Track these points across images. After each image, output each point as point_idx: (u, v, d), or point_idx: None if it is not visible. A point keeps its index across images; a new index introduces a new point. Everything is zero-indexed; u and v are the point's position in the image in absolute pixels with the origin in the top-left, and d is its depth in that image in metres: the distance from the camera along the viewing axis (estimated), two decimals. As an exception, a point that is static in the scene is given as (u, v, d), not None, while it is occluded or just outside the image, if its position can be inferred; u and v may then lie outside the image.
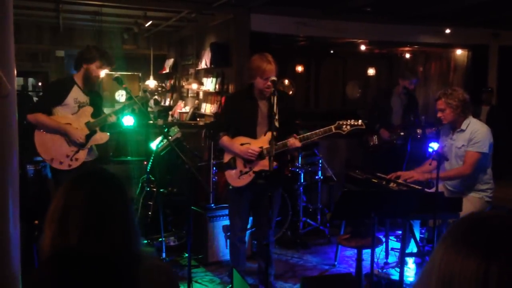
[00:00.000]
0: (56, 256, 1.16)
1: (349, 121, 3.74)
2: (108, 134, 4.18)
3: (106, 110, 4.40)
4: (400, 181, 4.19)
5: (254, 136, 3.85)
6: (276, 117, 3.80)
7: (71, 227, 1.38)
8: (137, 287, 1.40)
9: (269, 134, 3.69)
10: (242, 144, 3.84)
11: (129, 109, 4.10)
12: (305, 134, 3.74)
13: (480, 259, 0.83)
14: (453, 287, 0.84)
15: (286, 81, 10.39)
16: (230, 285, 4.15)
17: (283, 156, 3.98)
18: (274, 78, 3.69)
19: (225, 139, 3.89)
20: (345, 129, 3.73)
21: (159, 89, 4.32)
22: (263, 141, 3.81)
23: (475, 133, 4.04)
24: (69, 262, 1.10)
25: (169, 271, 1.56)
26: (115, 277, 1.27)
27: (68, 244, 1.35)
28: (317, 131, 3.72)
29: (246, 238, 4.91)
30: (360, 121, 3.77)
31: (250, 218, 4.63)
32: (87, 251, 1.26)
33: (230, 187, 3.98)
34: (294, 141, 3.70)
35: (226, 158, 3.96)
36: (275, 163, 3.74)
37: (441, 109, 4.12)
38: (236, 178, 3.89)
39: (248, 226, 4.65)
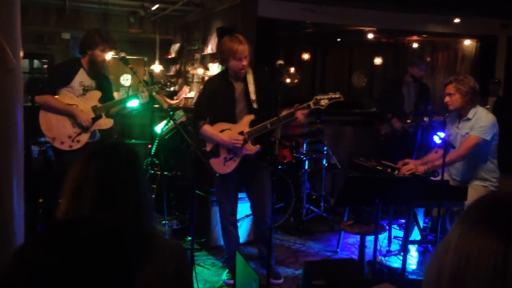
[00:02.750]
0: (63, 224, 1.14)
1: (327, 95, 3.68)
2: (112, 120, 4.18)
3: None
4: (402, 173, 4.18)
5: (233, 121, 3.79)
6: (254, 97, 3.73)
7: (84, 199, 1.38)
8: (146, 265, 1.38)
9: (247, 118, 3.64)
10: (222, 131, 3.78)
11: (138, 97, 4.08)
12: (283, 114, 3.63)
13: (499, 240, 0.81)
14: (469, 267, 0.82)
15: (292, 69, 10.33)
16: (228, 270, 4.16)
17: (267, 138, 3.88)
18: (281, 61, 3.64)
19: (206, 128, 3.80)
20: (323, 103, 3.66)
21: (166, 84, 4.26)
22: (243, 125, 3.76)
23: (478, 120, 4.01)
24: (77, 232, 1.09)
25: (181, 251, 1.54)
26: (123, 252, 1.25)
27: (79, 215, 1.34)
28: (294, 109, 3.64)
29: (249, 224, 4.92)
30: (338, 93, 3.70)
31: (248, 204, 4.63)
32: (97, 222, 1.25)
33: (217, 174, 3.93)
34: (300, 113, 3.61)
35: (209, 146, 3.90)
36: (258, 146, 3.71)
37: (450, 93, 4.07)
38: (221, 165, 3.85)
39: (249, 212, 4.66)
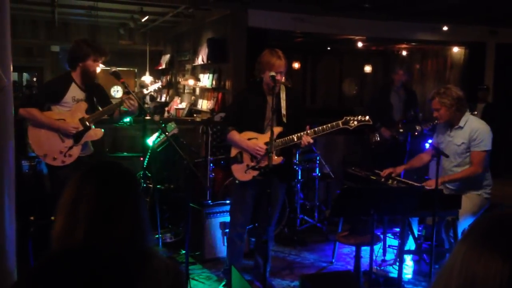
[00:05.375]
0: (60, 253, 1.12)
1: (356, 116, 3.75)
2: (103, 130, 4.12)
3: None
4: (393, 175, 4.22)
5: (261, 131, 3.87)
6: (284, 112, 3.82)
7: (79, 221, 1.34)
8: (142, 286, 1.35)
9: (275, 130, 3.69)
10: (249, 139, 3.86)
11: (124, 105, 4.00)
12: (313, 129, 3.74)
13: (503, 259, 0.80)
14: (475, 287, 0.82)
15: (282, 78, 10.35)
16: (225, 282, 4.13)
17: (290, 151, 3.99)
18: (273, 73, 3.68)
19: (233, 134, 3.90)
20: (352, 124, 3.73)
21: (156, 89, 4.25)
22: (269, 136, 3.80)
23: (476, 133, 4.03)
24: (73, 259, 1.07)
25: (177, 271, 1.51)
26: (120, 276, 1.23)
27: (74, 239, 1.31)
28: (324, 126, 3.72)
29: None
30: (367, 117, 3.77)
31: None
32: (93, 247, 1.22)
33: (237, 181, 3.97)
34: (306, 138, 3.70)
35: (233, 152, 3.96)
36: (281, 158, 3.75)
37: (436, 108, 4.12)
38: (242, 172, 3.89)
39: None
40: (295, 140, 3.74)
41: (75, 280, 1.05)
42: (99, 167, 1.50)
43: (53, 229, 1.39)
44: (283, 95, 3.88)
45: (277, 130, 3.79)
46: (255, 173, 3.85)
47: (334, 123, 3.74)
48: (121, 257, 1.29)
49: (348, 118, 3.75)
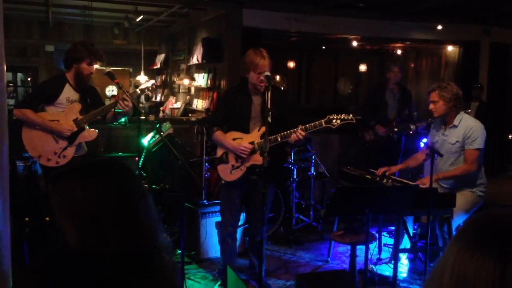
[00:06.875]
0: (92, 257, 1.09)
1: (339, 115, 3.72)
2: (97, 131, 4.11)
3: None
4: (387, 174, 4.23)
5: (246, 131, 3.86)
6: (270, 112, 3.80)
7: (106, 222, 1.25)
8: (151, 283, 1.31)
9: (262, 129, 3.68)
10: (234, 139, 3.85)
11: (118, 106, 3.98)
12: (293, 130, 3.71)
13: (496, 260, 0.80)
14: None
15: (278, 77, 10.36)
16: (220, 282, 4.13)
17: (279, 151, 3.96)
18: (268, 73, 3.67)
19: (218, 134, 3.90)
20: (335, 123, 3.70)
21: (151, 87, 4.26)
22: (255, 136, 3.81)
23: (470, 131, 4.05)
24: (105, 261, 1.06)
25: (177, 269, 1.49)
26: (132, 279, 1.21)
27: (106, 242, 1.23)
28: (307, 125, 3.70)
29: (239, 235, 4.89)
30: (351, 115, 3.74)
31: (243, 214, 4.62)
32: (120, 248, 1.18)
33: (223, 181, 3.98)
34: (295, 135, 3.65)
35: (219, 152, 3.96)
36: (268, 158, 3.74)
37: (434, 101, 4.14)
38: (228, 172, 3.90)
39: (241, 222, 4.64)
40: (279, 140, 3.70)
41: (89, 282, 1.05)
42: (106, 164, 1.39)
43: (76, 242, 1.27)
44: (268, 94, 3.85)
45: (261, 130, 3.77)
46: (241, 173, 3.84)
47: (317, 122, 3.70)
48: (140, 256, 1.24)
49: (331, 117, 3.71)
